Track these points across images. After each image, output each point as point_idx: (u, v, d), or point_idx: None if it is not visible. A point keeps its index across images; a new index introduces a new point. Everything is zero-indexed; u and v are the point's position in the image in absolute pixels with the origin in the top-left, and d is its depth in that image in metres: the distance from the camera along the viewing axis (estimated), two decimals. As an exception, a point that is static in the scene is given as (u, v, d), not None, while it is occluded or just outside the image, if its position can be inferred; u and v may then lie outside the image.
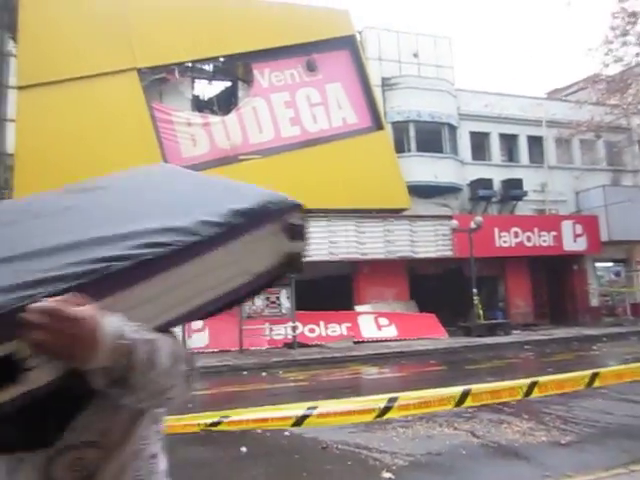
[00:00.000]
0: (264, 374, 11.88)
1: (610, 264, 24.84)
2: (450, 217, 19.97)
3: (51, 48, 16.76)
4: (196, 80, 20.36)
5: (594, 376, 3.70)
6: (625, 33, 18.88)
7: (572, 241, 21.78)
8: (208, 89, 20.84)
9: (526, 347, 15.35)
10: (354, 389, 8.85)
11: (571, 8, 17.96)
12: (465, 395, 3.34)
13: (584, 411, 6.79)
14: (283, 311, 15.71)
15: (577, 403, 7.22)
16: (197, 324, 17.27)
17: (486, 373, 10.47)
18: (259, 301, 15.41)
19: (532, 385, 3.49)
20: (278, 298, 15.61)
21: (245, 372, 12.31)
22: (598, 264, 24.26)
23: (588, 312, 22.81)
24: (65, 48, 16.89)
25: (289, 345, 16.29)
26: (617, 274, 25.18)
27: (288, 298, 15.69)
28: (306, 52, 19.86)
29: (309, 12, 20.10)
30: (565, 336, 17.02)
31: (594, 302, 23.19)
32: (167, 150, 17.83)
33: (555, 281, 23.01)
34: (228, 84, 20.62)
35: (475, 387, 3.42)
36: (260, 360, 13.38)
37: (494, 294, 22.37)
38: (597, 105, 21.55)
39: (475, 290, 18.27)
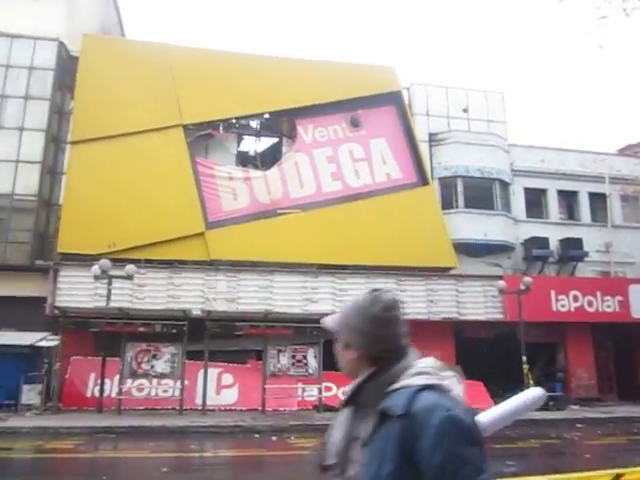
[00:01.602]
0: (274, 438, 11.14)
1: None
2: (500, 277, 18.72)
3: (103, 106, 17.71)
4: (244, 136, 20.84)
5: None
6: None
7: (642, 307, 19.75)
8: (257, 145, 21.21)
9: (578, 425, 13.68)
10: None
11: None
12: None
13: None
14: (310, 371, 14.95)
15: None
16: (228, 379, 16.92)
17: (511, 455, 9.21)
18: (284, 359, 14.80)
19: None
20: (305, 357, 14.92)
21: (257, 435, 11.63)
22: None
23: (661, 387, 20.33)
24: (116, 106, 17.79)
25: (317, 408, 15.49)
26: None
27: (315, 357, 14.96)
28: (351, 108, 19.86)
29: (355, 69, 20.24)
30: (627, 415, 15.08)
31: (669, 376, 20.67)
32: (208, 203, 18.07)
33: (623, 351, 20.79)
34: (275, 140, 20.89)
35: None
36: (277, 423, 12.65)
37: (552, 363, 20.50)
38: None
39: (524, 358, 16.75)
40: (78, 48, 18.51)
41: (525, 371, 16.71)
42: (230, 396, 16.43)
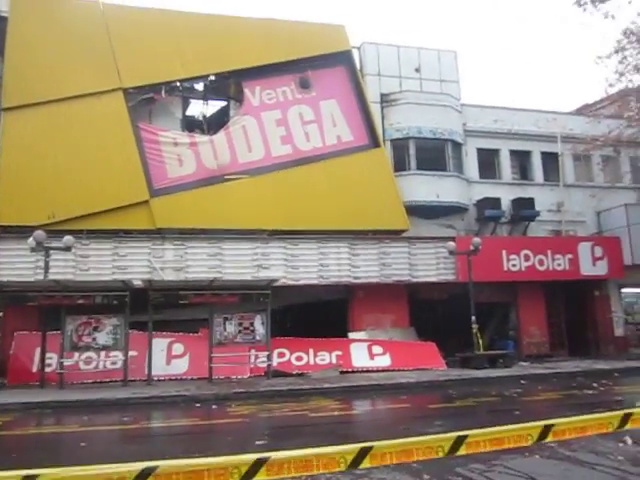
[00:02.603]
0: (214, 407, 11.04)
1: (640, 290, 22.88)
2: (452, 239, 18.72)
3: (37, 70, 16.82)
4: (191, 100, 20.15)
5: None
6: (641, 39, 17.42)
7: (591, 265, 20.08)
8: (205, 109, 20.51)
9: (522, 382, 13.92)
10: (277, 432, 7.89)
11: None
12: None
13: (502, 474, 5.60)
14: (257, 338, 14.81)
15: (505, 461, 6.03)
16: (179, 349, 16.70)
17: (443, 415, 9.27)
18: (231, 327, 14.61)
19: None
20: (252, 324, 14.75)
21: (198, 404, 11.50)
22: (626, 290, 22.38)
23: (612, 342, 20.94)
24: (50, 69, 16.91)
25: (271, 374, 15.47)
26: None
27: (263, 324, 14.81)
28: (300, 69, 19.30)
29: (303, 28, 19.57)
30: (571, 370, 15.42)
31: (619, 331, 21.24)
32: (153, 170, 17.49)
33: (574, 308, 21.23)
34: (224, 104, 20.23)
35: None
36: (221, 391, 12.53)
37: (505, 322, 20.82)
38: (617, 119, 20.01)
39: (474, 318, 16.91)
40: (7, 8, 17.40)
41: (474, 331, 16.89)
42: (180, 366, 16.23)
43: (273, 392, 12.58)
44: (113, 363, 15.60)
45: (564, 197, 21.52)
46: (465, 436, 2.83)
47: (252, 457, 2.60)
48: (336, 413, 9.77)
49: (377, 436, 6.88)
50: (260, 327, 14.74)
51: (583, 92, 56.98)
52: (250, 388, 12.88)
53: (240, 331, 14.63)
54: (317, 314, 19.59)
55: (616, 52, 17.35)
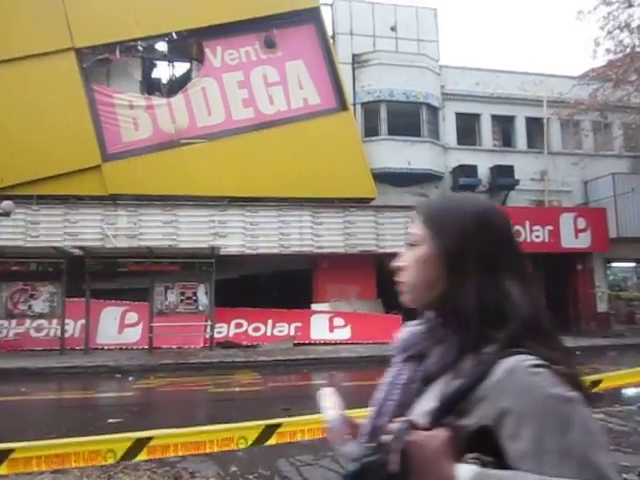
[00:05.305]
0: (130, 379, 10.67)
1: (633, 264, 21.77)
2: (423, 208, 17.82)
3: (-17, 29, 16.22)
4: (157, 62, 19.46)
5: None
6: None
7: (573, 237, 19.04)
8: (171, 71, 19.76)
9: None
10: (146, 409, 7.44)
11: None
12: None
13: (322, 469, 5.02)
14: (200, 308, 14.35)
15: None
16: (132, 318, 16.41)
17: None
18: (172, 296, 14.16)
19: None
20: (195, 294, 14.28)
21: (119, 375, 11.16)
22: (617, 264, 21.33)
23: (594, 319, 19.99)
24: (-2, 28, 16.30)
25: (222, 345, 15.14)
26: (643, 276, 22.09)
27: (206, 294, 14.33)
28: (265, 27, 18.30)
29: (268, -17, 18.50)
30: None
31: (602, 307, 20.25)
32: (107, 134, 16.92)
33: (556, 282, 20.21)
34: (188, 65, 19.43)
35: None
36: (148, 362, 12.16)
37: (480, 295, 19.97)
38: (606, 81, 18.63)
39: (435, 290, 16.12)
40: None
41: (435, 304, 16.15)
42: (133, 335, 15.95)
43: (203, 364, 12.16)
44: (67, 331, 15.41)
45: (548, 165, 20.32)
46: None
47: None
48: (237, 389, 9.28)
49: (247, 417, 6.35)
50: (203, 297, 14.27)
51: (577, 55, 53.66)
52: (182, 359, 12.48)
53: (182, 300, 14.17)
54: (281, 284, 19.05)
55: (601, 4, 15.95)
